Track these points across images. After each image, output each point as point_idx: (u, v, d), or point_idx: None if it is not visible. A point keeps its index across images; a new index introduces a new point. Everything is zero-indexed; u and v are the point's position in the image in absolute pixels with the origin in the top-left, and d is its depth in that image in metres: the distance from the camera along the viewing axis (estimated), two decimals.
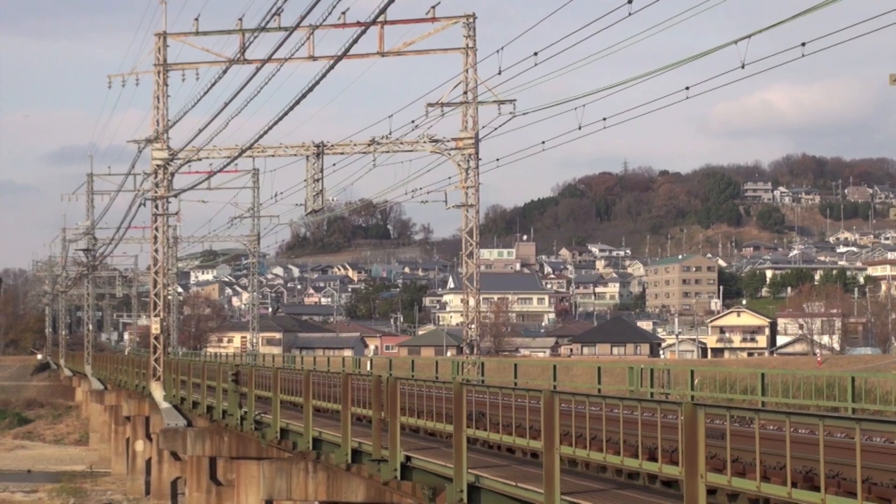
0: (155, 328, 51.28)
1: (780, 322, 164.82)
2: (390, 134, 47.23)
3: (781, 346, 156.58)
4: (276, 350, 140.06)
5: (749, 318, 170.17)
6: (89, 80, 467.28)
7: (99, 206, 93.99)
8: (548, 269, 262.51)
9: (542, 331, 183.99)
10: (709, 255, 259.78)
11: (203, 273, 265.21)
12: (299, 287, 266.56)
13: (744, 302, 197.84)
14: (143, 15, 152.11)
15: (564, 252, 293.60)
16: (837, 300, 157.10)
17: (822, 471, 11.18)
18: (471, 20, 45.67)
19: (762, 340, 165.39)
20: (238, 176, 78.84)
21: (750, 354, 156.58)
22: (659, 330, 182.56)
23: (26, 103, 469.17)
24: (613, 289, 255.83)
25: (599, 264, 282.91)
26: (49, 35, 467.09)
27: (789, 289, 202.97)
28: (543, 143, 40.99)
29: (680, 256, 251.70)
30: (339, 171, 51.96)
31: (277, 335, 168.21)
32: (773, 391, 24.90)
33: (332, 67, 31.20)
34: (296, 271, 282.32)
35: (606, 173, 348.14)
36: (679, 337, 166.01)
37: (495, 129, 44.32)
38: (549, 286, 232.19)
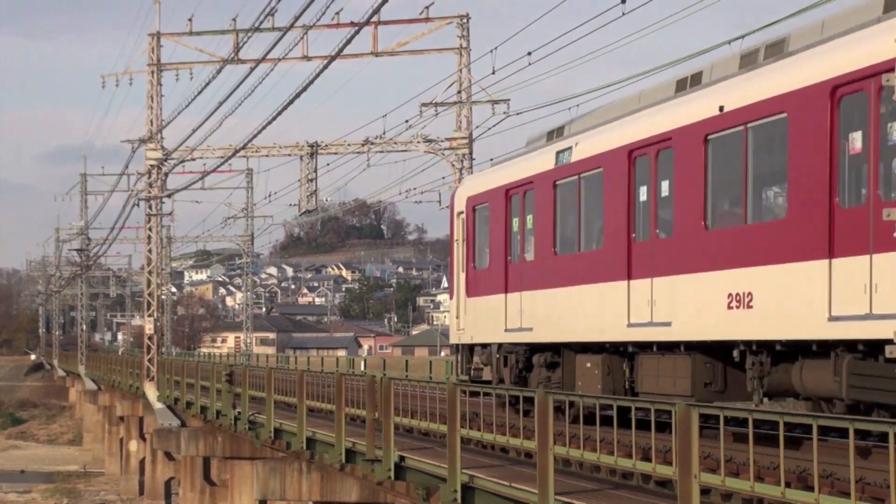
0: (148, 328, 51.23)
1: None
2: (384, 134, 47.28)
3: None
4: (270, 350, 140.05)
5: None
6: (85, 80, 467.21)
7: (93, 206, 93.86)
8: None
9: None
10: None
11: (197, 273, 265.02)
12: (293, 287, 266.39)
13: None
14: (137, 15, 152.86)
15: None
16: None
17: (816, 471, 11.19)
18: (464, 20, 45.70)
19: None
20: (232, 176, 78.98)
21: None
22: None
23: (22, 102, 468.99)
24: None
25: None
26: (45, 34, 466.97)
27: None
28: None
29: None
30: (332, 170, 52.05)
31: (271, 335, 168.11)
32: None
33: (325, 67, 31.24)
34: (289, 271, 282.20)
35: None
36: None
37: (489, 128, 44.42)
38: None
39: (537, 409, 15.16)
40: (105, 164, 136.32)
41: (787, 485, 11.59)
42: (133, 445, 61.27)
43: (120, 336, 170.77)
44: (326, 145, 49.25)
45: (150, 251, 51.99)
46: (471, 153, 45.89)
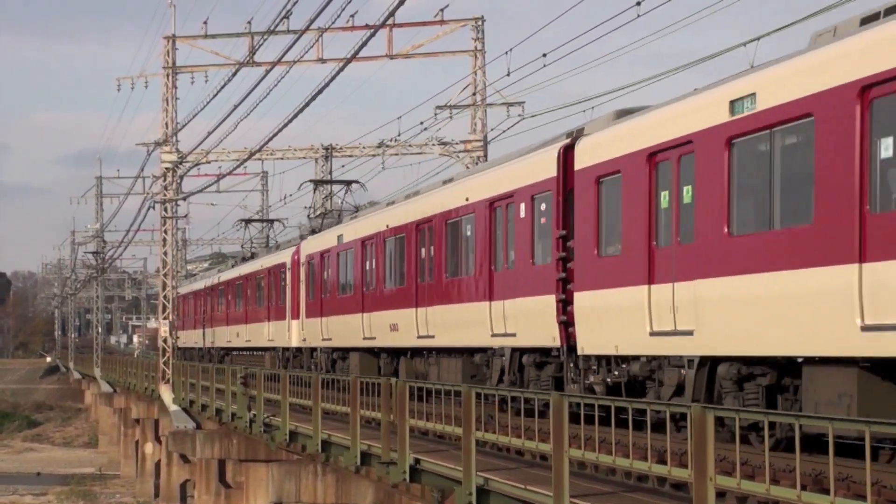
0: (164, 331, 51.31)
1: None
2: (399, 136, 47.32)
3: None
4: None
5: None
6: (102, 83, 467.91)
7: (108, 209, 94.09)
8: None
9: None
10: None
11: None
12: None
13: None
14: (153, 18, 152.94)
15: None
16: None
17: (832, 474, 11.16)
18: (479, 23, 45.71)
19: None
20: (247, 179, 79.29)
21: None
22: None
23: (41, 105, 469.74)
24: None
25: None
26: (62, 37, 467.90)
27: None
28: None
29: None
30: (347, 173, 52.06)
31: None
32: None
33: (341, 70, 31.20)
34: None
35: None
36: None
37: (504, 131, 44.38)
38: None
39: (552, 412, 15.14)
40: (121, 167, 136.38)
41: (803, 488, 11.56)
42: (148, 448, 61.32)
43: (135, 339, 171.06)
44: (341, 147, 49.31)
45: (165, 254, 52.06)
46: (486, 156, 45.90)
